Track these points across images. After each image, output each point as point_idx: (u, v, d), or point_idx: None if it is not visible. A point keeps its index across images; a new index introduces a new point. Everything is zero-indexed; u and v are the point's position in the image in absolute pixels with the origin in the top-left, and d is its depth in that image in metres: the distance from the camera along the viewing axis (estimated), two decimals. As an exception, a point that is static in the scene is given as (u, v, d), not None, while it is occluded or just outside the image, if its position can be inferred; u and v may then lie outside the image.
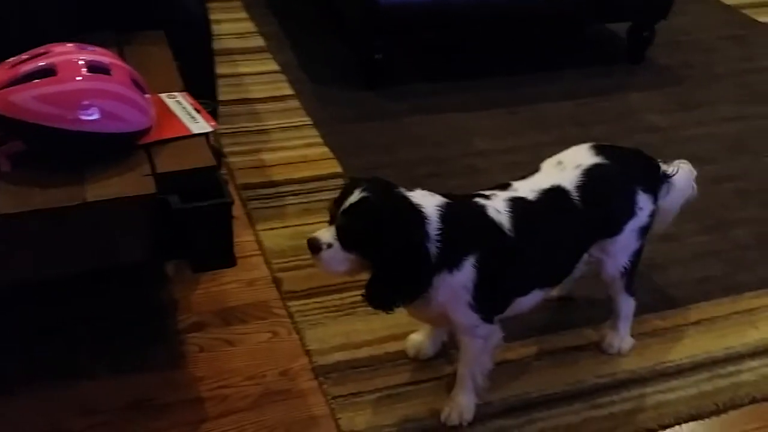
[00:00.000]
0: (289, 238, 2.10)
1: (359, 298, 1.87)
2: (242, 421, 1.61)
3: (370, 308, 1.82)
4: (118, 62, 1.58)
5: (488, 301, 1.49)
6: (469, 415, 1.60)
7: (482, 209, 1.51)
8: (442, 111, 2.73)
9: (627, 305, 1.75)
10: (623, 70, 3.06)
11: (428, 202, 1.45)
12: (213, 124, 1.69)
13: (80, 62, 1.51)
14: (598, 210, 1.58)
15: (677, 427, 1.63)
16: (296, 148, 2.50)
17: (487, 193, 1.57)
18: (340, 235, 1.41)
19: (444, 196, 1.50)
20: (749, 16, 3.52)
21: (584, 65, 3.06)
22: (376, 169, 2.39)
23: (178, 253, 1.61)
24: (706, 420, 1.65)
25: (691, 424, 1.64)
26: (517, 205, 1.53)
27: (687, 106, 2.82)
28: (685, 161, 1.78)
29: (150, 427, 1.59)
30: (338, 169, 2.38)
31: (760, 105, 2.85)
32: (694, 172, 1.78)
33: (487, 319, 1.52)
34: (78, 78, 1.49)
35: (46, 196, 1.46)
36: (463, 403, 1.60)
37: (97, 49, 1.59)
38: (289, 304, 1.89)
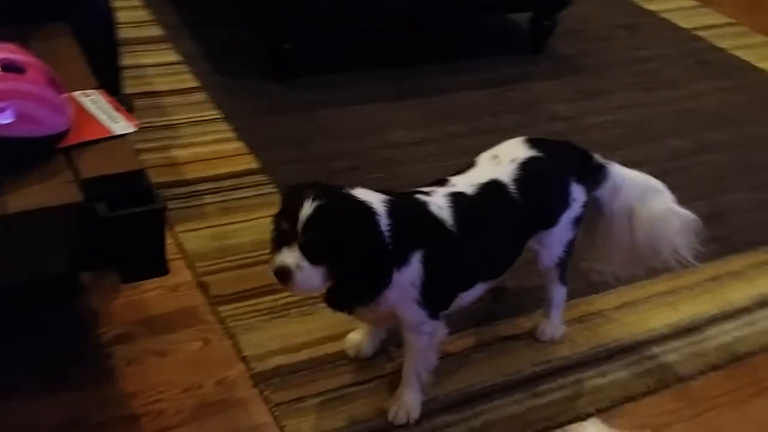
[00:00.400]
0: (212, 239, 2.02)
1: (292, 299, 1.85)
2: (181, 437, 1.55)
3: (304, 309, 1.83)
4: (32, 59, 1.47)
5: (435, 296, 1.48)
6: (416, 412, 1.59)
7: (424, 206, 1.50)
8: (355, 102, 2.70)
9: (559, 294, 1.78)
10: (526, 60, 3.11)
11: (375, 200, 1.42)
12: (135, 123, 1.59)
13: (-8, 57, 1.40)
14: (536, 203, 1.60)
15: (614, 409, 1.68)
16: (208, 143, 2.41)
17: (426, 189, 1.56)
18: (306, 253, 1.34)
19: (384, 193, 1.48)
20: (638, 5, 3.66)
21: (488, 55, 3.10)
22: (293, 163, 2.34)
23: (106, 264, 1.51)
24: (640, 401, 1.70)
25: (626, 406, 1.69)
26: (457, 200, 1.53)
27: (588, 95, 2.90)
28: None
29: (84, 449, 1.50)
30: (255, 165, 2.31)
31: (654, 91, 2.97)
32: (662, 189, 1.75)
33: (433, 315, 1.51)
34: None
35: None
36: (409, 401, 1.59)
37: (8, 45, 1.47)
38: (219, 309, 1.82)
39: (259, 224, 2.00)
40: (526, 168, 1.60)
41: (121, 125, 1.57)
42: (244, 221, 2.09)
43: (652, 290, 2.00)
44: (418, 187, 1.58)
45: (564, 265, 1.73)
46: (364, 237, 1.37)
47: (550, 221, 1.64)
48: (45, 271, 1.49)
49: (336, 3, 2.66)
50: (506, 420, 1.62)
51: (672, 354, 1.81)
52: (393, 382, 1.65)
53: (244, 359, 1.70)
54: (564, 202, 1.64)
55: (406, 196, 1.52)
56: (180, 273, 1.93)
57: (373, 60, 2.99)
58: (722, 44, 3.36)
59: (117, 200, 1.42)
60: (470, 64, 3.02)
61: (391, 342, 1.73)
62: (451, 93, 2.82)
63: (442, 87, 2.85)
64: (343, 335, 1.76)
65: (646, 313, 1.93)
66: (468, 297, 1.59)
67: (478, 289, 1.60)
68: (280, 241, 1.38)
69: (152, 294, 1.86)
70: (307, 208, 1.33)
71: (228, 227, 2.06)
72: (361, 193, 1.42)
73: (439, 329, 1.55)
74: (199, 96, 2.64)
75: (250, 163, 2.33)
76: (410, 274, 1.43)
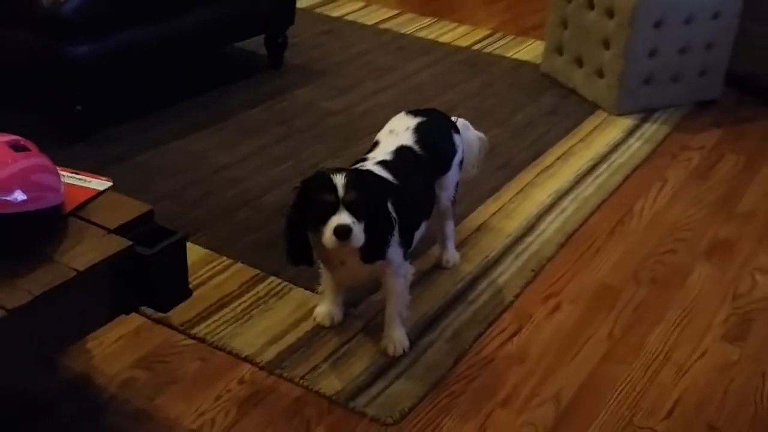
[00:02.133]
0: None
1: (246, 304, 2.08)
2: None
3: (262, 307, 2.08)
4: (21, 137, 1.54)
5: (405, 236, 1.88)
6: (407, 341, 1.97)
7: (372, 171, 1.88)
8: (165, 141, 2.88)
9: (450, 227, 2.26)
10: (273, 75, 3.49)
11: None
12: (106, 178, 1.72)
13: (3, 144, 1.45)
14: (435, 154, 2.06)
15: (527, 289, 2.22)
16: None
17: (359, 163, 1.94)
18: (353, 211, 1.68)
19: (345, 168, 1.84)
20: (326, 14, 4.23)
21: (239, 80, 3.42)
22: (161, 201, 2.45)
23: (140, 301, 1.64)
24: (536, 280, 2.26)
25: (527, 288, 2.24)
26: (386, 164, 1.93)
27: (342, 91, 3.38)
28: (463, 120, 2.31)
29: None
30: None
31: (385, 77, 3.52)
32: (470, 127, 2.31)
33: (406, 255, 1.90)
34: (15, 160, 1.44)
35: (35, 282, 1.41)
36: (399, 335, 1.96)
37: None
38: (193, 332, 1.99)
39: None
40: (419, 132, 2.04)
41: (97, 183, 1.71)
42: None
43: (496, 207, 2.58)
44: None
45: (454, 203, 2.21)
46: (382, 193, 1.77)
47: (446, 167, 2.11)
48: (95, 324, 1.59)
49: (115, 59, 2.80)
50: (466, 323, 2.07)
51: (534, 245, 2.40)
52: (373, 329, 2.00)
53: (246, 359, 1.92)
54: (452, 150, 2.12)
55: (357, 166, 1.90)
56: (131, 319, 2.01)
57: (158, 101, 3.17)
58: (405, 30, 4.07)
59: (144, 240, 1.58)
60: (229, 89, 3.33)
61: (350, 304, 2.08)
62: (236, 115, 3.11)
63: (223, 112, 3.12)
64: (308, 314, 2.05)
65: (497, 225, 2.49)
66: (417, 236, 2.00)
67: (422, 229, 2.02)
68: (320, 216, 1.69)
69: (120, 343, 1.96)
70: (340, 179, 1.68)
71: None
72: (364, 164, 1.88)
73: (409, 271, 1.95)
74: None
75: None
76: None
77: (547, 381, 1.92)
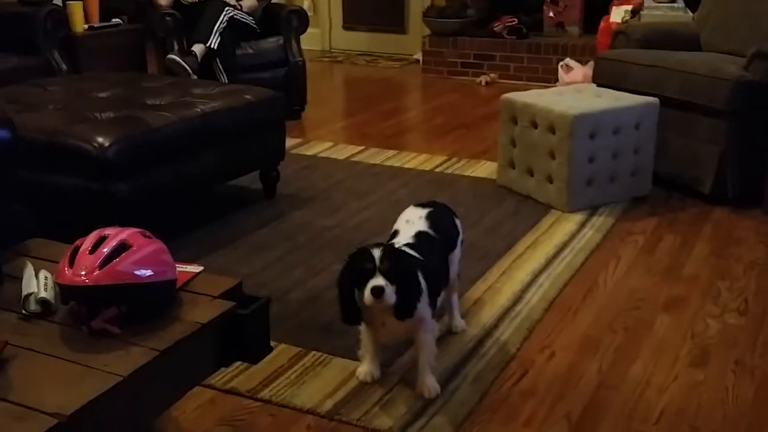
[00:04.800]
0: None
1: (298, 370, 2.47)
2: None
3: (316, 370, 2.48)
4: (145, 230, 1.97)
5: (432, 299, 2.34)
6: (438, 386, 2.39)
7: (402, 249, 2.35)
8: (194, 258, 3.17)
9: (456, 298, 2.73)
10: (268, 204, 3.98)
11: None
12: (197, 264, 2.14)
13: (136, 233, 1.88)
14: (445, 236, 2.55)
15: (525, 343, 2.66)
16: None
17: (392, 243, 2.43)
18: (387, 276, 2.14)
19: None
20: (302, 153, 4.80)
21: (243, 208, 3.90)
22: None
23: (235, 355, 2.02)
24: (531, 337, 2.71)
25: (525, 343, 2.68)
26: (411, 246, 2.41)
27: (333, 210, 3.87)
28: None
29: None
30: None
31: (364, 198, 4.06)
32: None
33: (433, 315, 2.35)
34: (148, 243, 1.87)
35: (172, 332, 1.80)
36: (431, 382, 2.38)
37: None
38: (259, 396, 2.36)
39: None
40: (430, 219, 2.54)
41: (192, 267, 2.12)
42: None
43: (487, 284, 3.06)
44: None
45: (458, 276, 2.68)
46: (410, 264, 2.22)
47: (453, 246, 2.60)
48: (203, 375, 1.97)
49: (143, 195, 3.27)
50: (482, 370, 2.50)
51: (526, 308, 2.88)
52: (407, 381, 2.42)
53: (308, 411, 2.31)
54: (456, 232, 2.63)
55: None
56: (203, 392, 2.37)
57: (176, 230, 3.51)
58: (374, 161, 4.64)
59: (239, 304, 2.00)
60: (235, 217, 3.78)
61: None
62: (246, 236, 3.55)
63: (234, 235, 3.56)
64: (350, 375, 2.45)
65: (491, 299, 2.96)
66: (438, 301, 2.44)
67: (441, 296, 2.48)
68: (361, 279, 2.14)
69: (200, 410, 2.32)
70: (377, 252, 2.16)
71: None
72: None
73: (436, 327, 2.41)
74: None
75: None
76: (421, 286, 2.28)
77: (557, 406, 2.35)
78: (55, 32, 4.95)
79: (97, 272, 1.79)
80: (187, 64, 4.97)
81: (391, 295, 2.15)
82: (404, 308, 2.23)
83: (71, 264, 1.83)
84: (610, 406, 2.35)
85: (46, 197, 3.18)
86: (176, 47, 5.15)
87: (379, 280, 2.14)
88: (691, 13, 5.28)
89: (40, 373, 1.70)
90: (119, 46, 5.52)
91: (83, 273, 1.80)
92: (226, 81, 5.05)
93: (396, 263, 2.20)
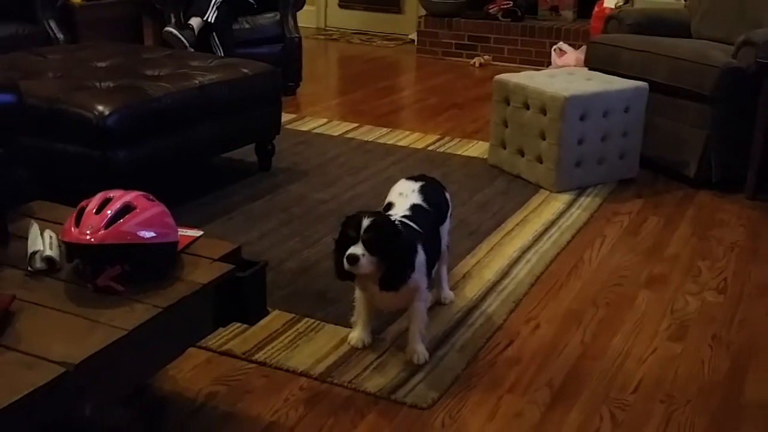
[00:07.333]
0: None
1: (291, 335, 2.55)
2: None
3: (309, 335, 2.56)
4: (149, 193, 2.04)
5: (428, 270, 2.43)
6: (427, 353, 2.47)
7: (398, 220, 2.43)
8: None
9: (445, 270, 2.81)
10: (264, 176, 4.05)
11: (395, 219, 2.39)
12: (197, 229, 2.22)
13: (140, 196, 1.95)
14: (437, 208, 2.63)
15: (511, 315, 2.75)
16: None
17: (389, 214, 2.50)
18: (368, 247, 2.19)
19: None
20: (297, 129, 4.86)
21: (238, 180, 3.96)
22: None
23: (232, 316, 2.11)
24: (517, 309, 2.80)
25: (512, 315, 2.78)
26: (409, 218, 2.48)
27: (328, 184, 3.95)
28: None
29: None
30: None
31: (358, 174, 4.14)
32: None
33: (428, 285, 2.44)
34: (151, 206, 1.94)
35: (174, 291, 1.88)
36: (421, 349, 2.47)
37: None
38: (254, 358, 2.44)
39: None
40: (422, 192, 2.62)
41: (193, 231, 2.20)
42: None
43: (475, 260, 3.15)
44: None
45: (447, 248, 2.77)
46: (399, 239, 2.29)
47: (443, 218, 2.68)
48: (202, 334, 2.05)
49: (142, 164, 3.33)
50: (469, 339, 2.60)
51: (510, 285, 2.97)
52: (397, 347, 2.51)
53: (301, 373, 2.40)
54: (447, 205, 2.71)
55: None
56: (199, 353, 2.45)
57: (172, 200, 3.62)
58: (367, 138, 4.72)
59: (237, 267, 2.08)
60: (230, 189, 3.84)
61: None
62: (241, 207, 3.62)
63: (230, 206, 3.63)
64: (342, 341, 2.54)
65: (480, 273, 3.05)
66: (433, 272, 2.53)
67: (435, 267, 2.56)
68: (346, 244, 2.22)
69: (196, 370, 2.40)
70: (366, 221, 2.23)
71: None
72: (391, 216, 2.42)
73: (428, 296, 2.50)
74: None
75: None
76: (421, 257, 2.37)
77: (540, 374, 2.45)
78: (53, 1, 5.00)
79: (102, 231, 1.87)
80: (184, 38, 5.02)
81: (366, 265, 2.22)
82: (390, 280, 2.31)
83: (77, 223, 1.90)
84: (591, 375, 2.44)
85: (47, 163, 3.24)
86: (173, 20, 5.20)
87: (356, 249, 2.21)
88: (683, 0, 5.36)
89: (47, 325, 1.77)
90: (116, 17, 5.57)
91: (89, 232, 1.87)
92: (223, 55, 5.10)
93: (380, 235, 2.25)
